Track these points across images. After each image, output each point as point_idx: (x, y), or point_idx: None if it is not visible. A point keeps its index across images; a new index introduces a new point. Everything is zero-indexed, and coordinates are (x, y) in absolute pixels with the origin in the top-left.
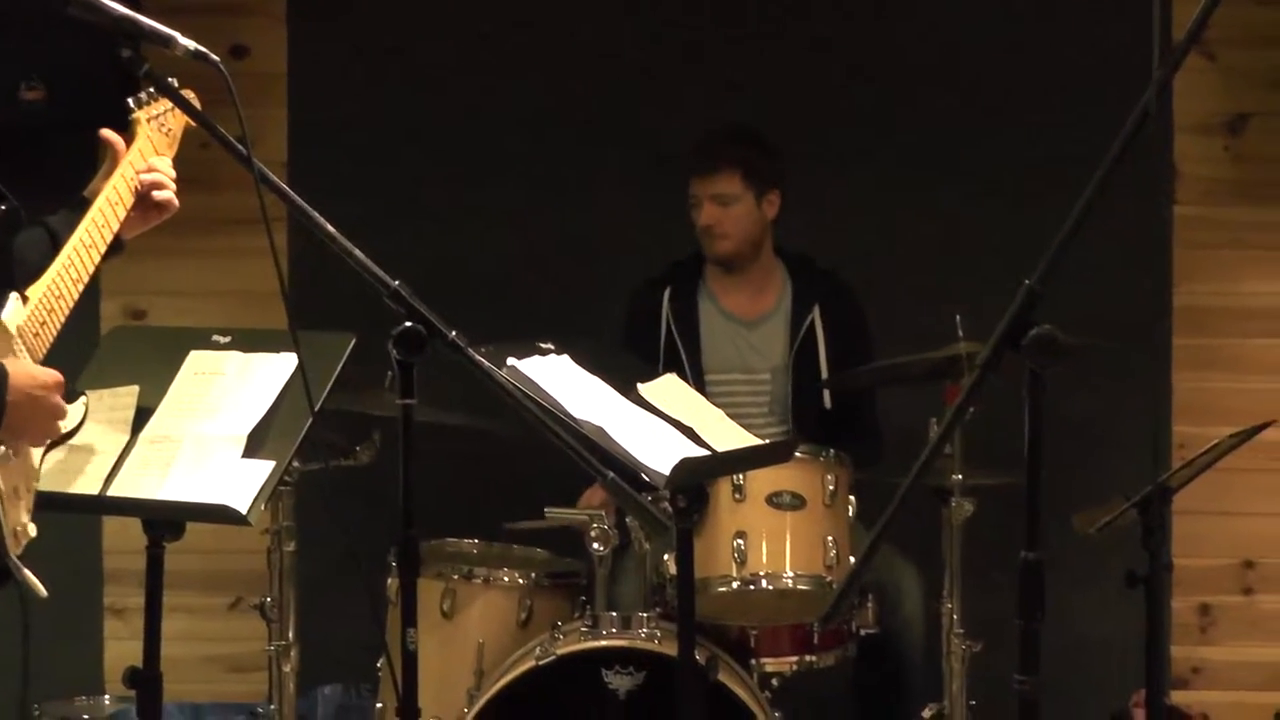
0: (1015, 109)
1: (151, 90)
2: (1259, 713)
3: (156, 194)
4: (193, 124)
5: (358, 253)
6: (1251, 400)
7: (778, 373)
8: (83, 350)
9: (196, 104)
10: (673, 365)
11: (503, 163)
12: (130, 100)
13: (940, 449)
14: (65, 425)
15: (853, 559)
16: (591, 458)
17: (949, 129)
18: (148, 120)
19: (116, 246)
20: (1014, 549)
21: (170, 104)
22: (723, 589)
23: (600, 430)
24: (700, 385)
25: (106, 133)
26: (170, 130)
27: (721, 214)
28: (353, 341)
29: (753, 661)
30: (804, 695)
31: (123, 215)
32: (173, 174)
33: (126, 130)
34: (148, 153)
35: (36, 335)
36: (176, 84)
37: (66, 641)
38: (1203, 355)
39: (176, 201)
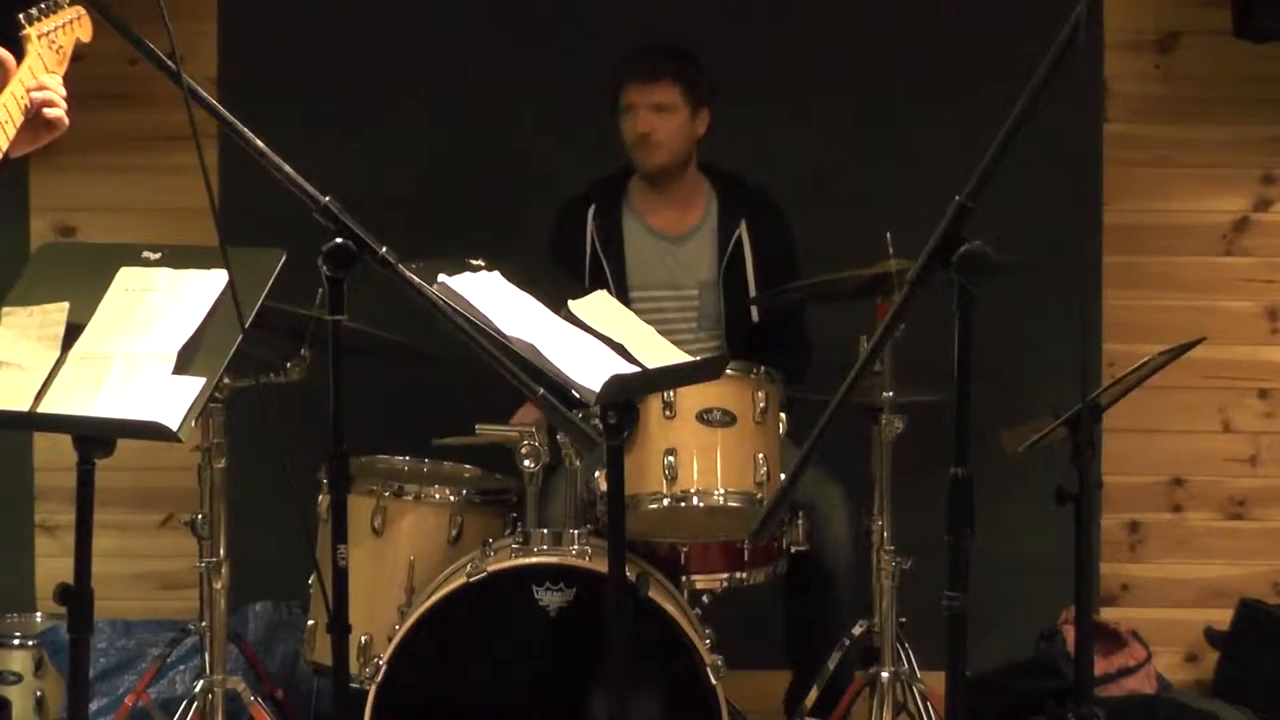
0: (945, 23)
1: (42, 6)
2: (1187, 629)
3: (47, 111)
4: (84, 40)
5: (288, 168)
6: (1181, 318)
7: (705, 288)
8: (12, 267)
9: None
10: (598, 283)
11: (434, 77)
12: (21, 16)
13: (870, 366)
14: None
15: (783, 476)
16: (523, 374)
17: (878, 43)
18: (38, 37)
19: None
20: (944, 466)
21: (61, 20)
22: (653, 506)
23: (531, 347)
24: (626, 302)
25: None
26: (61, 47)
27: (659, 122)
28: (283, 258)
29: (683, 578)
30: (734, 612)
31: (12, 134)
32: (63, 92)
33: (16, 47)
34: (38, 70)
35: None
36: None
37: None
38: (1132, 273)
39: (66, 120)
